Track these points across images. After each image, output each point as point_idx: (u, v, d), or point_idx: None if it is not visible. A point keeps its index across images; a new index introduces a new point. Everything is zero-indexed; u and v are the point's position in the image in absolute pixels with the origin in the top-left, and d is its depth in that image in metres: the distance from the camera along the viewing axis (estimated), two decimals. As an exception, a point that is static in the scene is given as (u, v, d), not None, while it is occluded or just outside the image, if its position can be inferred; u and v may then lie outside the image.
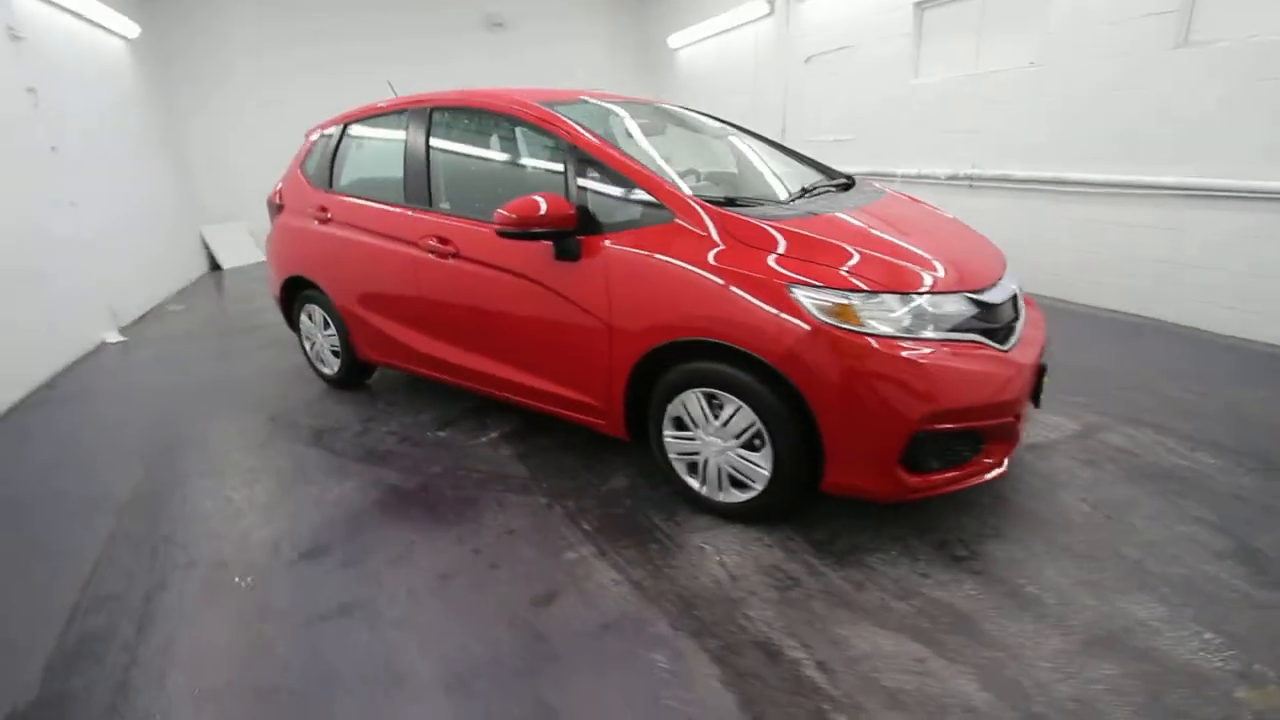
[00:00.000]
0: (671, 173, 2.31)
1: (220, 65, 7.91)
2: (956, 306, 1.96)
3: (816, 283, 1.89)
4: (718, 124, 3.25)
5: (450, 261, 2.72)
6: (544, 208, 2.20)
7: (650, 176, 2.21)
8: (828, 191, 2.64)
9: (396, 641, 1.82)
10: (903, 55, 5.58)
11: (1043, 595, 1.87)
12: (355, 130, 3.35)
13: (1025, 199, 4.77)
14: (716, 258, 2.03)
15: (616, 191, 2.28)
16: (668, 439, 2.30)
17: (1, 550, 2.40)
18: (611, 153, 2.29)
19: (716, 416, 2.13)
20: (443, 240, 2.73)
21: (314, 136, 3.59)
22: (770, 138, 3.27)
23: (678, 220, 2.12)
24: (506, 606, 1.93)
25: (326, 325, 3.55)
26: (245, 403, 3.64)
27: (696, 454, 2.25)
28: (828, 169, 3.03)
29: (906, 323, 1.88)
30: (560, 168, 2.42)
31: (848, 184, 2.80)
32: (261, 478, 2.81)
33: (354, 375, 3.64)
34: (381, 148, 3.24)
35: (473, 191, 2.81)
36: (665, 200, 2.16)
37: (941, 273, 2.02)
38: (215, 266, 8.06)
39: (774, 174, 2.81)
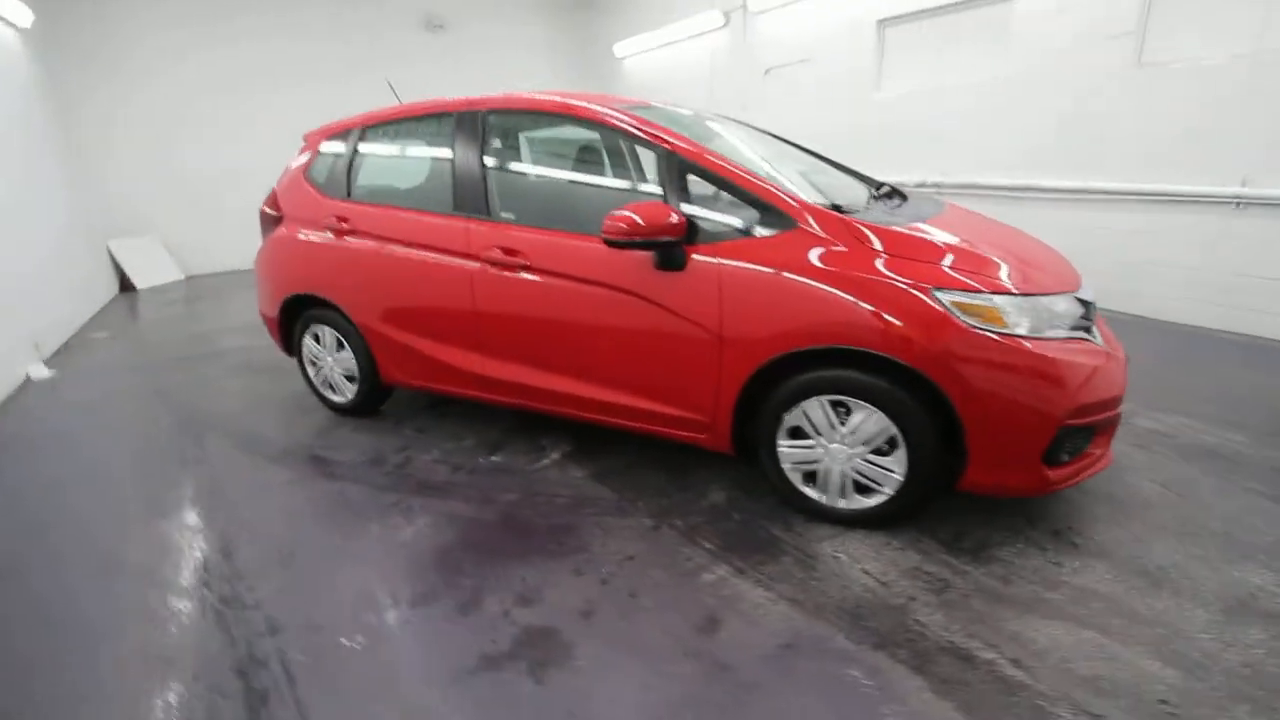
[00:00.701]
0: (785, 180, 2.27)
1: (121, 53, 7.06)
2: (1068, 306, 2.07)
3: (957, 286, 1.94)
4: (745, 129, 3.25)
5: (518, 275, 2.55)
6: (656, 216, 2.11)
7: (764, 184, 2.17)
8: (893, 200, 2.70)
9: (571, 688, 1.67)
10: (867, 68, 5.87)
11: (1167, 571, 2.00)
12: (379, 134, 3.08)
13: (993, 205, 5.14)
14: (849, 264, 2.02)
15: (726, 199, 2.23)
16: (782, 450, 2.26)
17: (6, 629, 1.99)
18: (718, 160, 2.24)
19: (843, 423, 2.12)
20: (509, 251, 2.56)
21: (319, 140, 3.26)
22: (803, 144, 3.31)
23: (800, 227, 2.10)
24: (671, 637, 1.82)
25: (340, 347, 3.23)
26: (241, 439, 3.24)
27: (815, 463, 2.23)
28: (866, 177, 3.11)
29: (1035, 322, 1.96)
30: (654, 175, 2.33)
31: (895, 192, 2.88)
32: (312, 522, 2.50)
33: (371, 401, 3.34)
34: (416, 153, 3.00)
35: (545, 201, 2.66)
36: (783, 207, 2.13)
37: (1049, 275, 2.13)
38: (126, 286, 7.16)
39: (821, 180, 2.82)
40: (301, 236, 3.18)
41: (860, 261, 2.03)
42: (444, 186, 2.79)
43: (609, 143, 2.58)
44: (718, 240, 2.20)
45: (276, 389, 3.85)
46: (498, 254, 2.59)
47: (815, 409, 2.15)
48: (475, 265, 2.65)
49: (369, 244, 2.95)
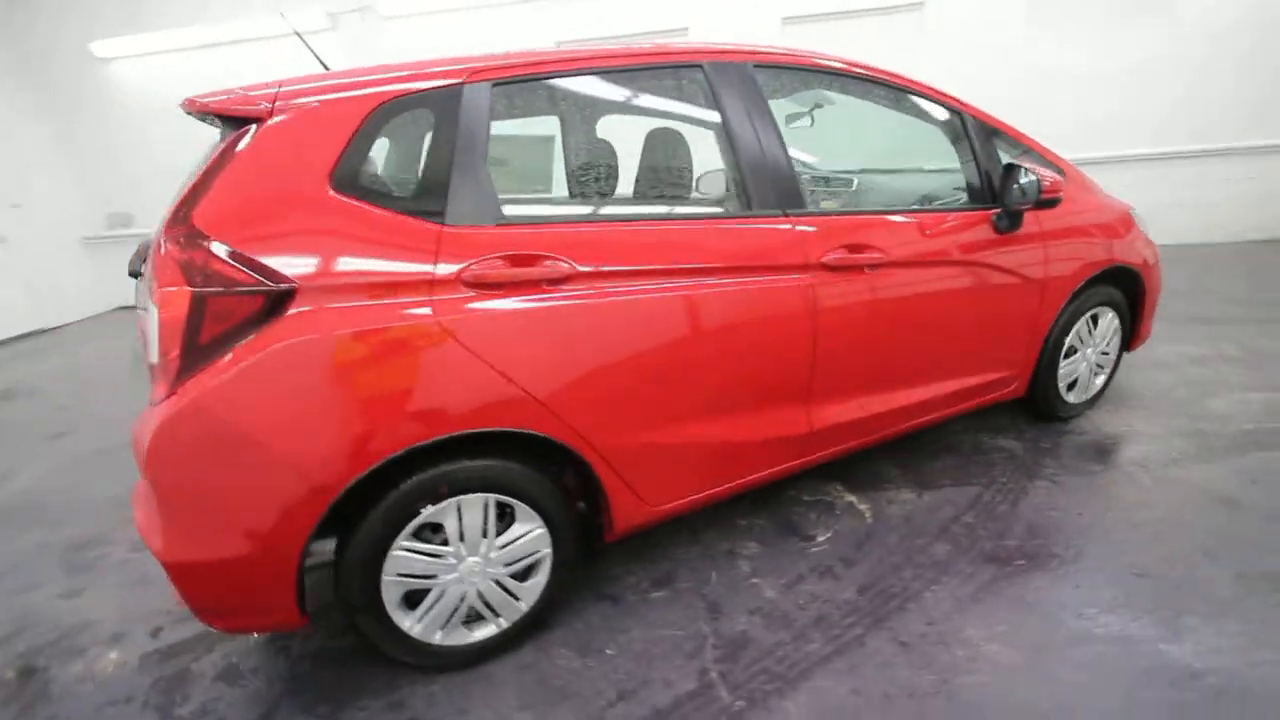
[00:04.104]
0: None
1: None
2: None
3: (1131, 206, 2.72)
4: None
5: (868, 274, 1.97)
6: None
7: (1038, 143, 2.42)
8: None
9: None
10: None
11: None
12: (532, 96, 1.62)
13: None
14: (1100, 200, 2.55)
15: (1022, 159, 2.36)
16: (1063, 369, 2.60)
17: None
18: (1009, 125, 2.34)
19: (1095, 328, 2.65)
20: (855, 249, 1.93)
21: (360, 110, 1.42)
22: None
23: (1068, 176, 2.46)
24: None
25: (504, 524, 1.62)
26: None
27: (1076, 371, 2.67)
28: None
29: None
30: (958, 141, 2.24)
31: None
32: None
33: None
34: (621, 129, 1.74)
35: (869, 180, 2.05)
36: (1056, 162, 2.45)
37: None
38: None
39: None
40: (381, 323, 1.40)
41: (1100, 198, 2.57)
42: (714, 176, 1.82)
43: (906, 108, 2.20)
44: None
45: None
46: (843, 255, 1.91)
47: (1084, 325, 2.60)
48: (811, 278, 1.87)
49: (624, 292, 1.61)
